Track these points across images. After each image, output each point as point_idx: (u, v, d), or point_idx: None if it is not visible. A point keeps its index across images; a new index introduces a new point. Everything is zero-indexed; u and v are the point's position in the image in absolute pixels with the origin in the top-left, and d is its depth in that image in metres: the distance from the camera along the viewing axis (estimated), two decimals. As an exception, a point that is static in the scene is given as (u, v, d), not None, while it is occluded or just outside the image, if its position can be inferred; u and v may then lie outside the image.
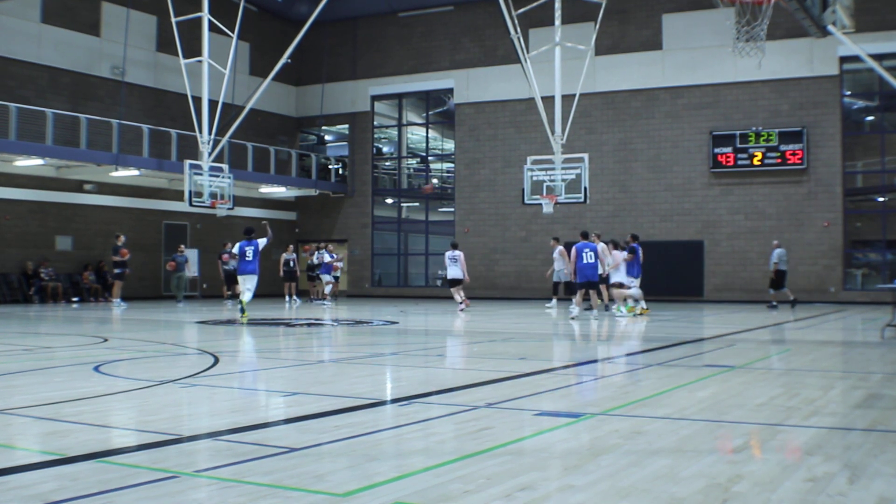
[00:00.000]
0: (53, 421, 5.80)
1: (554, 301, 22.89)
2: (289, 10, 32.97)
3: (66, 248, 26.52)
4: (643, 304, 19.45)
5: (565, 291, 22.52)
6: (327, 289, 25.62)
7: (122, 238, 23.50)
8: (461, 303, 20.93)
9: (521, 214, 29.69)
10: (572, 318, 17.51)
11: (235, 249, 17.88)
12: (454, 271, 21.05)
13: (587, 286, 18.34)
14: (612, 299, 20.11)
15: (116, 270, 23.14)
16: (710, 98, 28.18)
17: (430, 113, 33.80)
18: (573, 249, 18.44)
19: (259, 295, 30.83)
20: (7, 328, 15.42)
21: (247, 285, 17.44)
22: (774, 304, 23.13)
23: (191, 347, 11.95)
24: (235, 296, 24.53)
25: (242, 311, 16.98)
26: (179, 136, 26.90)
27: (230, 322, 17.07)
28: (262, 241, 17.23)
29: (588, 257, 17.96)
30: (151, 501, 3.77)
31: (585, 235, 18.96)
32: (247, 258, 17.36)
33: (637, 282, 19.39)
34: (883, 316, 16.58)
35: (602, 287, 19.92)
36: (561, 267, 22.11)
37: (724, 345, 12.48)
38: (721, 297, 27.28)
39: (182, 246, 25.16)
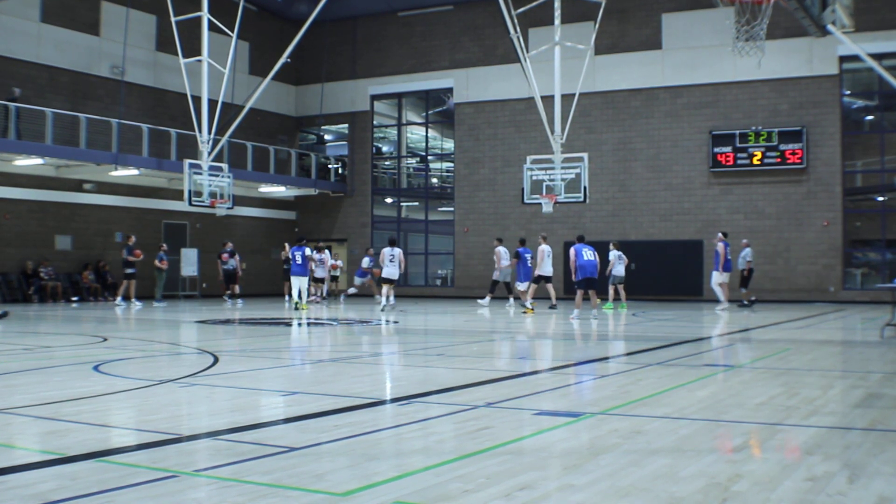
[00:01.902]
0: (53, 420, 5.80)
1: (488, 299, 24.05)
2: (288, 10, 32.95)
3: (66, 248, 26.50)
4: (528, 304, 20.54)
5: (507, 291, 24.06)
6: (351, 290, 26.20)
7: (133, 238, 23.72)
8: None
9: (521, 214, 29.68)
10: (572, 318, 17.53)
11: (288, 253, 21.62)
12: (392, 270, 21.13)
13: (587, 284, 18.27)
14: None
15: (129, 270, 23.26)
16: (710, 97, 28.17)
17: (430, 112, 33.79)
18: (571, 249, 18.62)
19: (259, 294, 30.93)
20: (7, 328, 15.41)
21: (298, 285, 21.09)
22: (751, 300, 23.15)
23: (190, 347, 11.95)
24: (234, 295, 24.63)
25: (296, 307, 20.78)
26: (179, 136, 26.88)
27: (230, 321, 17.09)
28: (307, 249, 21.32)
29: (587, 255, 18.02)
30: (151, 501, 3.76)
31: (582, 238, 19.03)
32: (297, 262, 20.98)
33: (525, 284, 21.23)
34: (882, 315, 16.59)
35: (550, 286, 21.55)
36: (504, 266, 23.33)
37: (723, 344, 12.49)
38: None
39: (164, 245, 25.16)
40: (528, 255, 21.77)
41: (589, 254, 18.09)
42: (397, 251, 21.03)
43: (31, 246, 25.45)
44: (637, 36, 29.12)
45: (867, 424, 5.77)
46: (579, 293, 18.36)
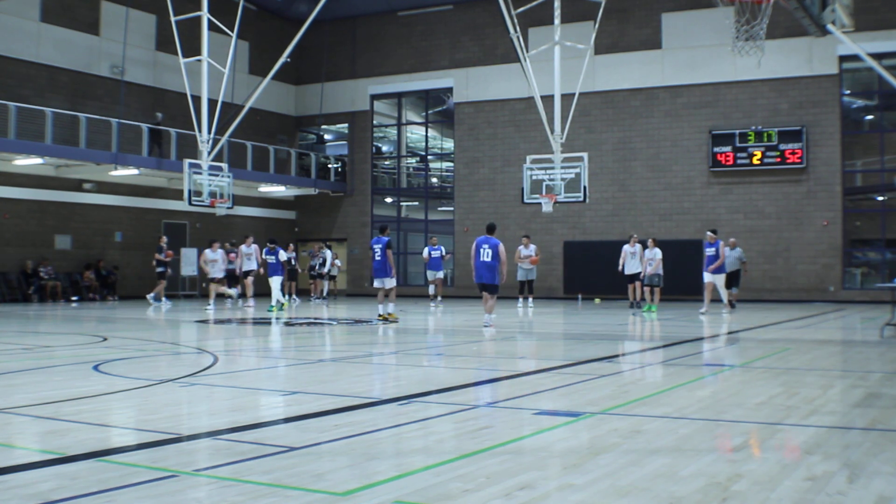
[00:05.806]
0: (53, 420, 5.80)
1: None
2: (288, 9, 32.95)
3: (66, 247, 26.50)
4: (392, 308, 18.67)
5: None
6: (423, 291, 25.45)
7: (165, 239, 23.70)
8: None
9: (521, 214, 29.67)
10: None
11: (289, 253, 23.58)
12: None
13: (482, 287, 15.01)
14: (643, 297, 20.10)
15: (159, 269, 23.28)
16: (710, 97, 28.18)
17: (430, 112, 33.79)
18: (474, 244, 15.00)
19: (259, 294, 30.91)
20: (6, 327, 15.41)
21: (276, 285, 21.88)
22: (732, 303, 21.86)
23: (190, 346, 11.95)
24: (240, 295, 24.63)
25: (277, 307, 21.15)
26: (179, 135, 26.88)
27: (230, 321, 17.09)
28: (282, 251, 22.38)
29: (485, 254, 14.53)
30: (151, 500, 3.76)
31: (491, 229, 15.06)
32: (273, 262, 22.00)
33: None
34: (882, 315, 16.58)
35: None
36: None
37: (722, 344, 12.49)
38: (720, 295, 27.23)
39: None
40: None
41: (486, 252, 14.55)
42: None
43: (30, 245, 25.45)
44: (637, 35, 29.11)
45: (867, 424, 5.77)
46: (484, 295, 15.08)
